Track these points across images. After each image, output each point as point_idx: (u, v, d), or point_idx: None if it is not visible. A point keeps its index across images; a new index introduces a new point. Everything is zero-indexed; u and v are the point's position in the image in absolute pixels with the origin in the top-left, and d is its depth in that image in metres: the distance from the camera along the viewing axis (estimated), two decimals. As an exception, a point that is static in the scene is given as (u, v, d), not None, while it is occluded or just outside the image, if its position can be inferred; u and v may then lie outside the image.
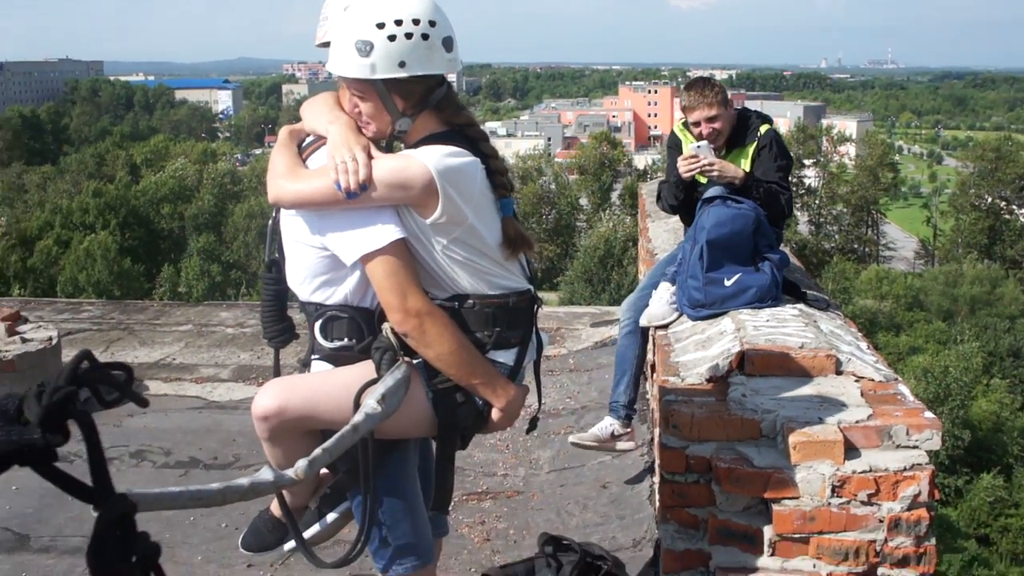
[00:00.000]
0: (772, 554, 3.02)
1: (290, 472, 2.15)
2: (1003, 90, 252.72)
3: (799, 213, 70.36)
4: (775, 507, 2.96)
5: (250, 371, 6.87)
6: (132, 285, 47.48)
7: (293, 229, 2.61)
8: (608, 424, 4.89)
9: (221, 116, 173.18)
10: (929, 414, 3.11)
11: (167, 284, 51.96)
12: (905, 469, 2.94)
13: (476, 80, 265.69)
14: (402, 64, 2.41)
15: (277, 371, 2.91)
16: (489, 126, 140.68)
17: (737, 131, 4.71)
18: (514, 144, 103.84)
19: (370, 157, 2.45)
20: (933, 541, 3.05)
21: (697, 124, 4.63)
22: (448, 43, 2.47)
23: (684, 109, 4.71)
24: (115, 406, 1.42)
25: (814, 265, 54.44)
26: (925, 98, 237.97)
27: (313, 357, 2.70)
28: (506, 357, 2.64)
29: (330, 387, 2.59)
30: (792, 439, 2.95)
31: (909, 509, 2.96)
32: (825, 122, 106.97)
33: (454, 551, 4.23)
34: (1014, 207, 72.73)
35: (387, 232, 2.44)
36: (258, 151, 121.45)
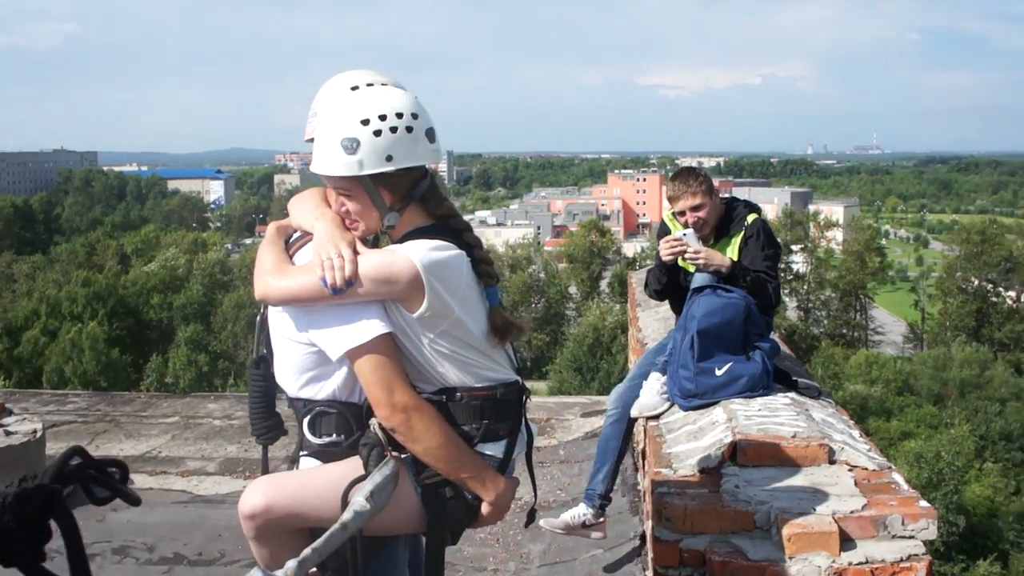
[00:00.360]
0: (770, 651, 2.95)
1: (279, 573, 2.11)
2: (986, 174, 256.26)
3: (787, 299, 70.66)
4: (771, 602, 2.90)
5: (237, 464, 6.78)
6: (119, 376, 47.11)
7: (280, 325, 2.61)
8: (581, 512, 4.85)
9: (213, 206, 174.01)
10: (924, 503, 3.08)
11: (154, 375, 51.57)
12: (902, 560, 2.91)
13: (467, 170, 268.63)
14: (389, 158, 2.42)
15: (265, 467, 2.87)
16: (479, 215, 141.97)
17: (724, 220, 4.74)
18: (504, 233, 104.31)
19: (356, 253, 2.45)
20: (934, 634, 2.99)
21: (683, 213, 4.66)
22: (431, 134, 2.50)
23: (670, 199, 4.74)
24: (106, 503, 1.40)
25: (803, 351, 54.45)
26: (910, 183, 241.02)
27: (302, 454, 2.66)
28: (495, 450, 2.60)
29: (318, 485, 2.55)
30: (786, 531, 2.91)
31: (907, 602, 2.91)
32: (812, 208, 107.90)
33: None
34: (1000, 289, 73.16)
35: (372, 327, 2.44)
36: (248, 241, 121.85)
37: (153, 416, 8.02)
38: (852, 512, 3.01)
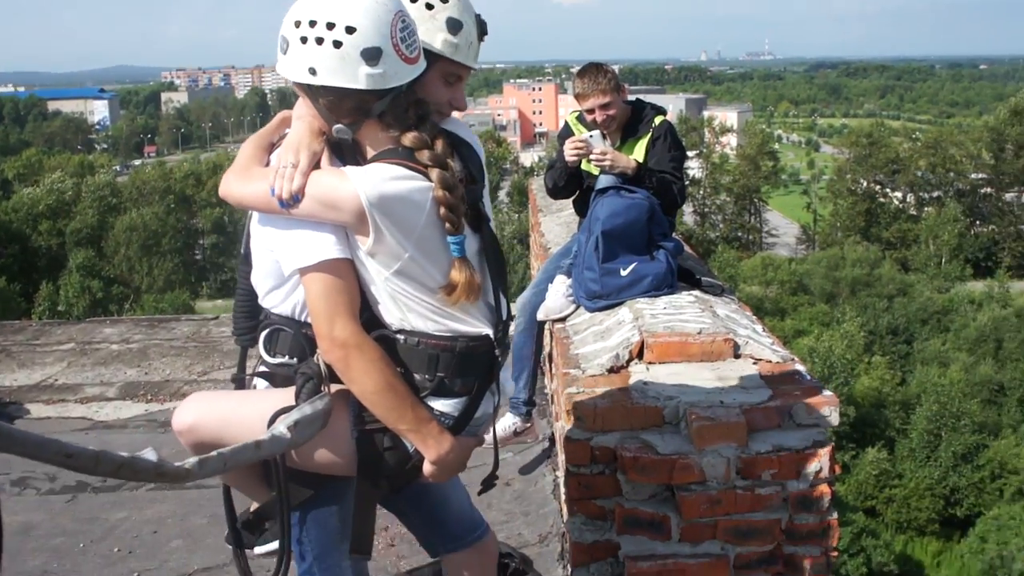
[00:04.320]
0: (680, 540, 3.01)
1: (180, 463, 2.02)
2: (874, 78, 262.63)
3: (684, 204, 71.69)
4: (681, 493, 2.96)
5: (138, 387, 6.63)
6: (8, 305, 45.78)
7: (256, 225, 2.43)
8: (510, 422, 4.85)
9: (97, 127, 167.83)
10: (827, 391, 3.16)
11: (46, 303, 50.11)
12: (807, 447, 2.98)
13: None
14: (312, 71, 2.19)
15: (242, 367, 2.66)
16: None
17: (631, 122, 4.69)
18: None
19: (314, 167, 2.25)
20: (835, 515, 3.10)
21: (591, 112, 4.58)
22: (371, 55, 2.16)
23: (577, 96, 4.65)
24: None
25: (701, 255, 55.44)
26: (801, 88, 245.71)
27: (259, 370, 2.52)
28: (448, 407, 2.37)
29: (246, 410, 2.44)
30: (695, 424, 2.95)
31: (812, 486, 2.99)
32: (707, 114, 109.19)
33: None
34: (888, 190, 75.40)
35: (324, 249, 2.23)
36: (137, 162, 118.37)
37: (47, 344, 7.77)
38: (758, 403, 3.07)
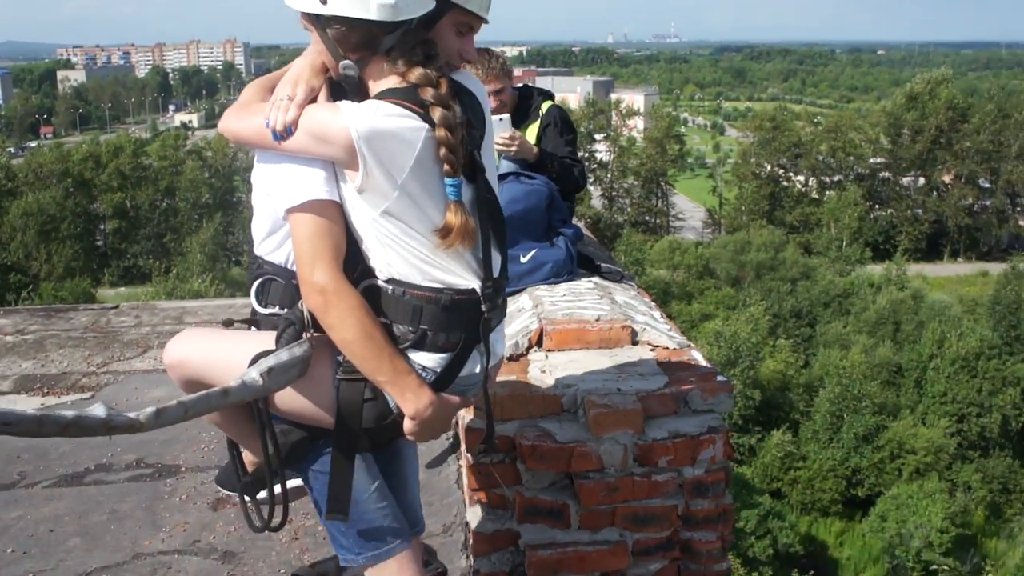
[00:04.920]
0: (579, 527, 3.04)
1: (131, 414, 1.96)
2: (777, 62, 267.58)
3: (592, 188, 72.21)
4: (579, 481, 2.98)
5: (33, 381, 6.44)
6: None
7: (255, 169, 2.39)
8: None
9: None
10: (721, 378, 3.21)
11: (-63, 292, 48.45)
12: (702, 433, 3.03)
13: (265, 62, 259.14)
14: (323, 0, 2.16)
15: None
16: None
17: (520, 108, 4.69)
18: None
19: (310, 100, 2.23)
20: (730, 500, 3.15)
21: None
22: None
23: None
24: None
25: (608, 239, 55.99)
26: (707, 71, 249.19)
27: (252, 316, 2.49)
28: (430, 361, 2.31)
29: (230, 350, 2.39)
30: (592, 412, 2.97)
31: (707, 472, 3.05)
32: (614, 96, 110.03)
33: (261, 553, 4.09)
34: (791, 174, 77.00)
35: (311, 189, 2.20)
36: (33, 143, 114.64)
37: (-66, 333, 7.51)
38: (655, 390, 3.10)
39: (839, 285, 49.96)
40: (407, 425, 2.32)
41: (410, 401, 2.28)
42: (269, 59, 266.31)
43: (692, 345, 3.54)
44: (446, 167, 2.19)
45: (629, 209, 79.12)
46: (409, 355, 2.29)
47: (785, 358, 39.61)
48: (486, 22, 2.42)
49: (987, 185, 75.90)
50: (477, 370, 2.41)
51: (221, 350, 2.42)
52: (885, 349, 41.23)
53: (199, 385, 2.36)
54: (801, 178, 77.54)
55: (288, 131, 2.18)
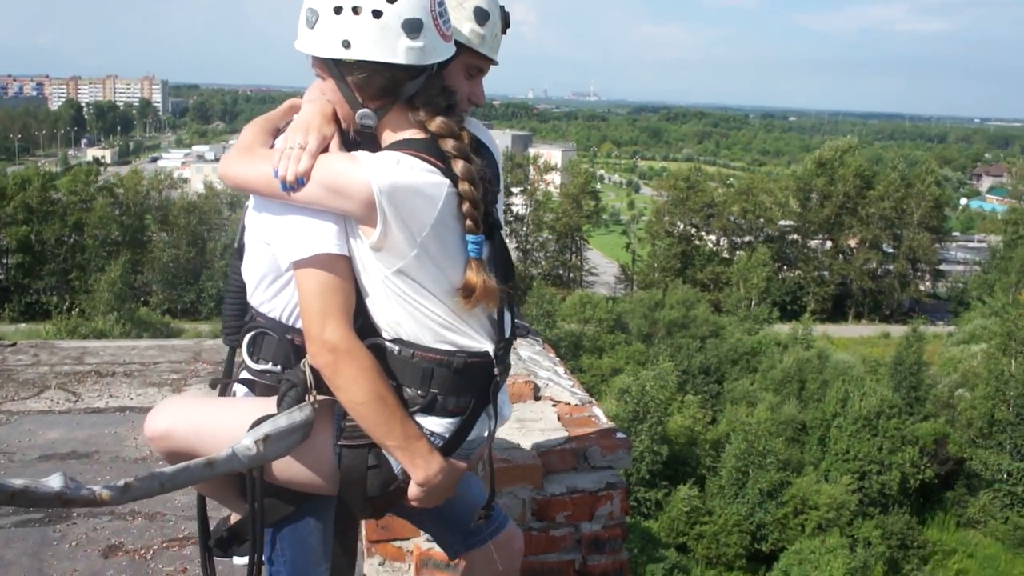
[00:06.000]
0: (477, 582, 3.03)
1: (94, 488, 1.85)
2: (693, 124, 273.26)
3: (507, 241, 72.47)
4: (478, 535, 2.98)
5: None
6: None
7: (252, 216, 2.26)
8: None
9: None
10: (621, 434, 3.25)
11: None
12: (600, 489, 3.06)
13: (183, 101, 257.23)
14: (346, 44, 2.03)
15: (229, 372, 2.46)
16: (197, 149, 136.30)
17: None
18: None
19: (322, 150, 2.10)
20: (627, 556, 3.18)
21: None
22: (412, 27, 2.03)
23: None
24: None
25: (522, 291, 56.17)
26: (624, 129, 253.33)
27: (240, 376, 2.36)
28: (440, 426, 2.20)
29: (221, 420, 2.27)
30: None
31: (604, 527, 3.08)
32: (532, 151, 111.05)
33: (153, 603, 3.99)
34: (703, 233, 78.44)
35: (322, 242, 2.07)
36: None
37: None
38: (555, 446, 3.13)
39: (747, 343, 50.79)
40: (413, 491, 2.22)
41: (420, 467, 2.17)
42: (188, 98, 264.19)
43: (594, 401, 3.59)
44: (468, 223, 2.11)
45: (544, 263, 79.68)
46: (417, 419, 2.19)
47: (693, 414, 40.06)
48: (496, 64, 2.35)
49: (890, 250, 78.26)
50: (485, 433, 2.33)
51: (211, 418, 2.30)
52: (790, 407, 41.99)
53: (186, 458, 2.19)
54: (713, 237, 78.97)
55: (300, 181, 2.06)
